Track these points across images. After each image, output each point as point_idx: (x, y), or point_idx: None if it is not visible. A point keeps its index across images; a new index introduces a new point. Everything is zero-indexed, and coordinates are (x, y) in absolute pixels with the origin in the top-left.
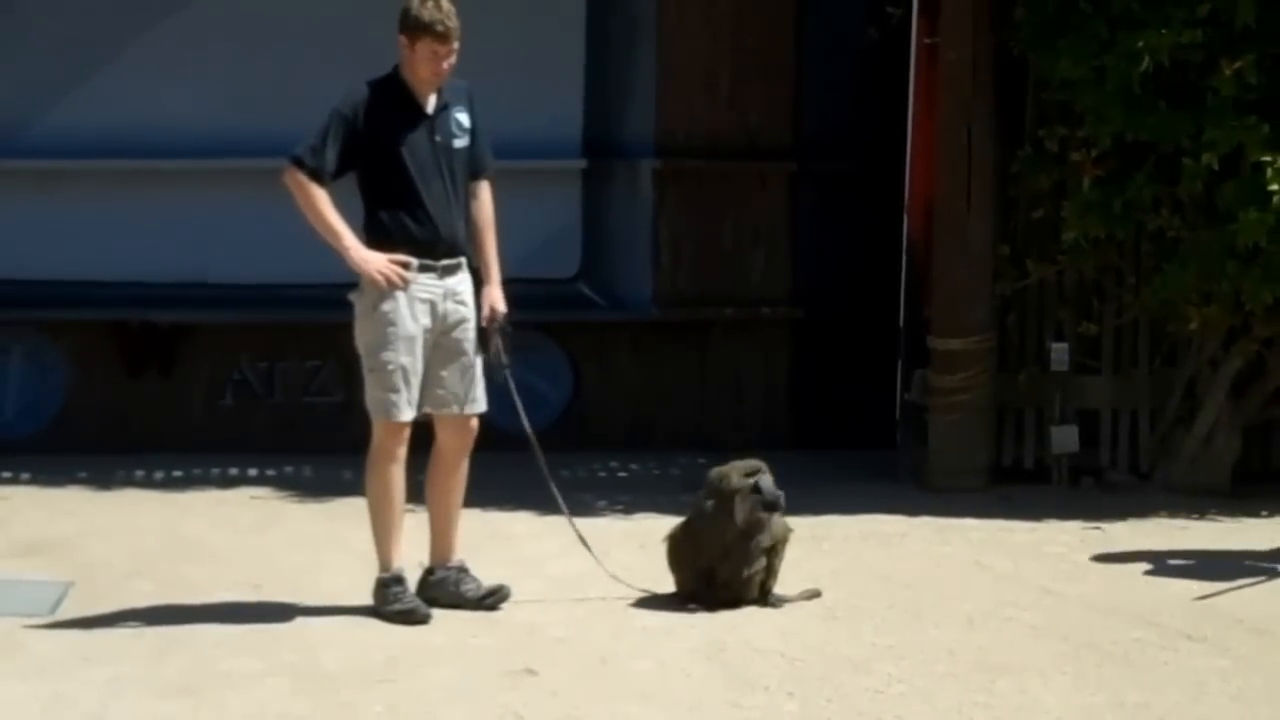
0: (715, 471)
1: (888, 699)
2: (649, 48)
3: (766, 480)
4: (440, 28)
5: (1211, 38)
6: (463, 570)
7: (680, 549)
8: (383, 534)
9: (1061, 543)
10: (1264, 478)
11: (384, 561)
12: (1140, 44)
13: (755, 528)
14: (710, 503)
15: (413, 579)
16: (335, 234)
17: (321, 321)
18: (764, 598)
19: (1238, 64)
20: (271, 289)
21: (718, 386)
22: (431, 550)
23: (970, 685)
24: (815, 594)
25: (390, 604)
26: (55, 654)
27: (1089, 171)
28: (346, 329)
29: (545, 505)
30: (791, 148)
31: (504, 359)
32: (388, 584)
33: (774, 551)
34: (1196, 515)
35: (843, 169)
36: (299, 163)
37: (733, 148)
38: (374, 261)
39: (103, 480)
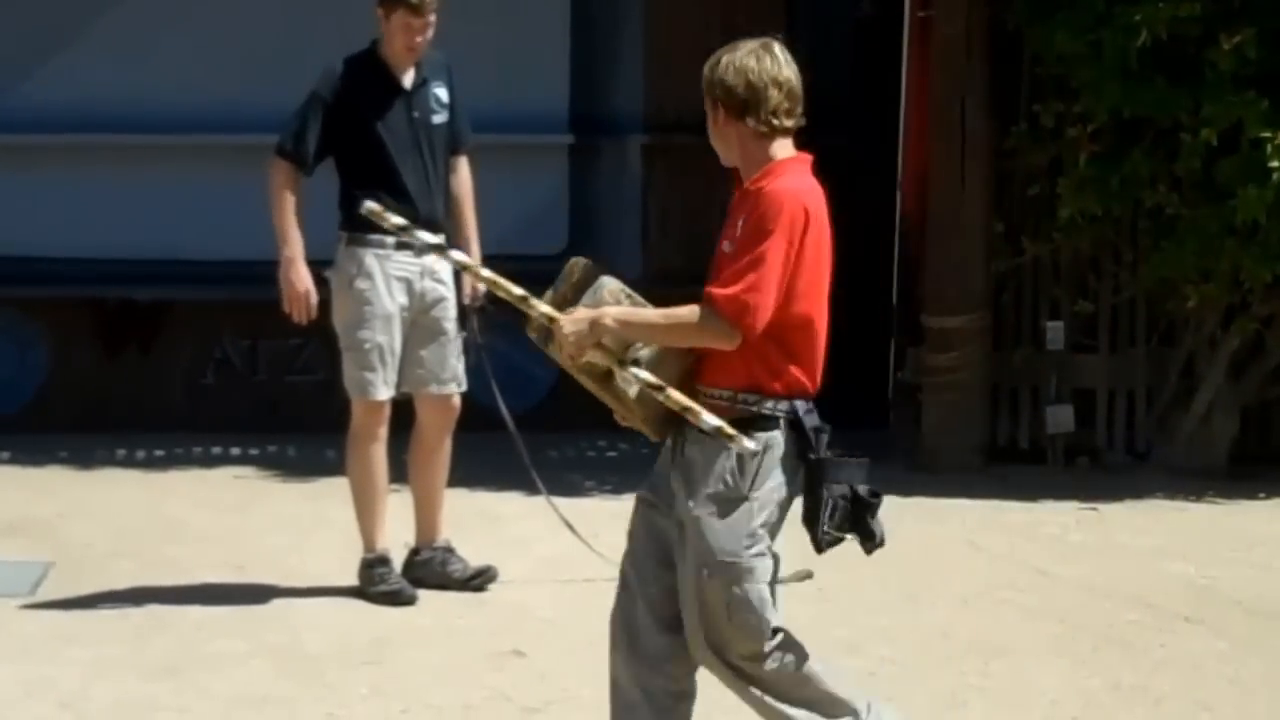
0: None
1: (880, 681)
2: (636, 21)
3: None
4: (414, 0)
5: (1210, 11)
6: (449, 550)
7: None
8: (366, 514)
9: (1057, 523)
10: (1262, 458)
11: (368, 542)
12: (1138, 18)
13: None
14: None
15: (399, 559)
16: (283, 238)
17: None
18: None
19: (1237, 38)
20: (252, 265)
21: None
22: (417, 530)
23: (965, 667)
24: (807, 575)
25: (376, 585)
26: (36, 635)
27: (1085, 147)
28: (329, 306)
29: (532, 485)
30: None
31: (479, 338)
32: (372, 564)
33: None
34: (1193, 496)
35: (835, 144)
36: (281, 151)
37: None
38: (297, 285)
39: (83, 460)
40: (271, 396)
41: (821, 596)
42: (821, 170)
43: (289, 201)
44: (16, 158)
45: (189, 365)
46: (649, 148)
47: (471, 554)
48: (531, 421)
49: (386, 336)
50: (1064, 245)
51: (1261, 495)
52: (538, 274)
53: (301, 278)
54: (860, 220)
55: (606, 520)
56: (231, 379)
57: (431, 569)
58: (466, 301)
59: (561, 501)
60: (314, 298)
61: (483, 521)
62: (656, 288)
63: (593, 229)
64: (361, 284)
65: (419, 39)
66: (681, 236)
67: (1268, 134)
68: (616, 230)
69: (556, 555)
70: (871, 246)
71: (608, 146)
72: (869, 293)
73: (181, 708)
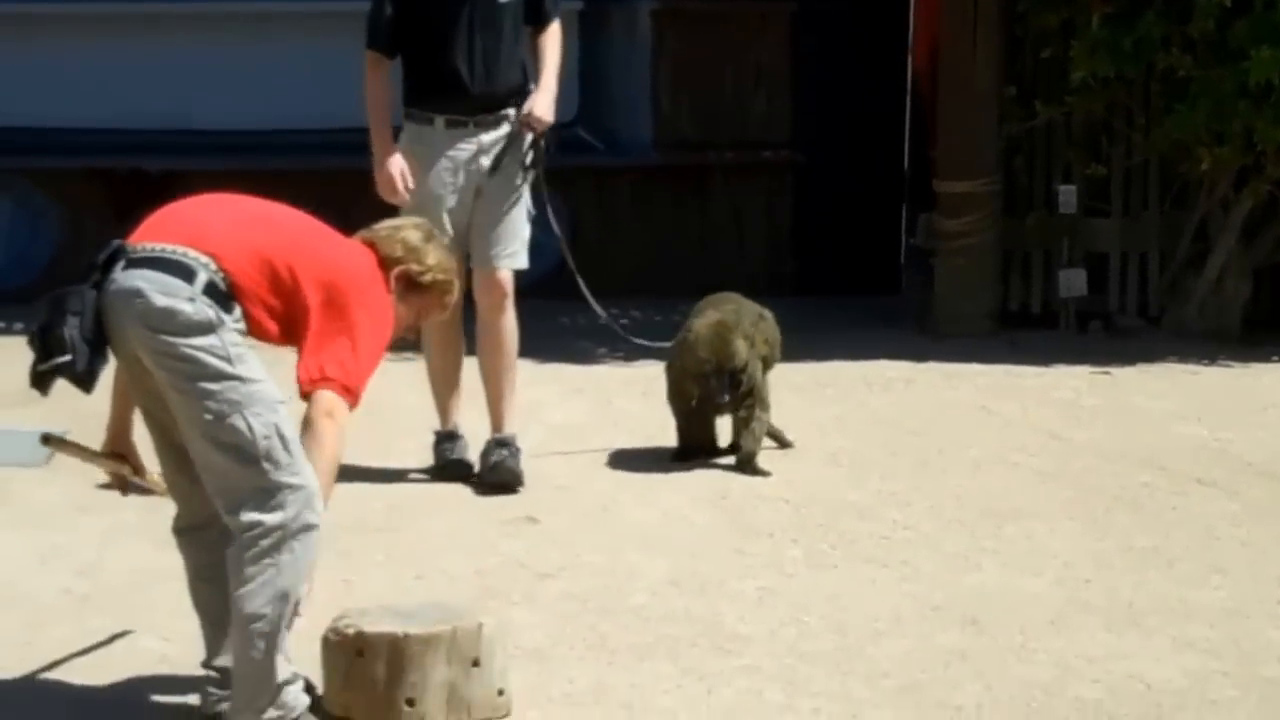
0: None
1: (893, 545)
2: None
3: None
4: None
5: None
6: (500, 444)
7: (674, 375)
8: (433, 388)
9: (1070, 388)
10: (1274, 322)
11: (439, 416)
12: None
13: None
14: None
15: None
16: (375, 131)
17: (314, 168)
18: (742, 465)
19: None
20: (262, 135)
21: (719, 231)
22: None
23: (977, 531)
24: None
25: (435, 460)
26: (51, 504)
27: (1098, 9)
28: (339, 175)
29: (544, 352)
30: None
31: (529, 163)
32: (438, 440)
33: (751, 414)
34: (1206, 359)
35: (845, 8)
36: (369, 44)
37: None
38: (386, 169)
39: None
40: None
41: (834, 461)
42: (831, 34)
43: (375, 96)
44: (25, 28)
45: None
46: (659, 14)
47: (480, 424)
48: (541, 290)
49: (433, 202)
50: (1076, 108)
51: (1274, 358)
52: (549, 141)
53: (384, 163)
54: (871, 83)
55: (619, 387)
56: None
57: (483, 457)
58: (519, 126)
59: (574, 369)
60: (406, 177)
61: None
62: (667, 154)
63: (603, 96)
64: (409, 155)
65: None
66: (692, 103)
67: None
68: (626, 97)
69: (568, 424)
70: (882, 111)
71: (617, 13)
72: (880, 158)
73: None
